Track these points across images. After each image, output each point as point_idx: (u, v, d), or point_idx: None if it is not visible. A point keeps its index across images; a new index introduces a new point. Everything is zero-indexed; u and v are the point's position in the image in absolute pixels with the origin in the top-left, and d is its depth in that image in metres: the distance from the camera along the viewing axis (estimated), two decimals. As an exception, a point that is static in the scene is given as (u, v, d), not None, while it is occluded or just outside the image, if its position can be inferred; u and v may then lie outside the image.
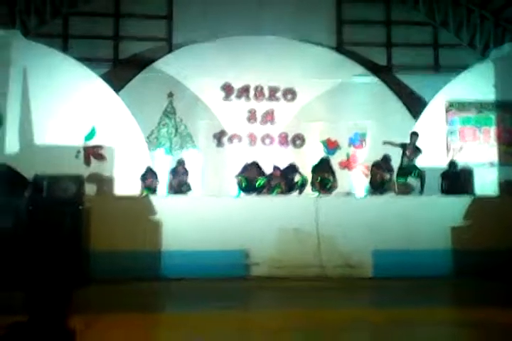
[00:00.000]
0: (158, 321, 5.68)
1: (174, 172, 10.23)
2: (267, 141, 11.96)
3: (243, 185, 9.68)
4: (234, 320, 5.36)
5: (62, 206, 7.58)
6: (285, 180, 9.72)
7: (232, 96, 11.99)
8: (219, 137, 11.82)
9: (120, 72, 11.82)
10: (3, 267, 7.05)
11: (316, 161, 10.08)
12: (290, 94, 12.10)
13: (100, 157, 10.37)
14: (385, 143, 9.93)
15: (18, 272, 7.04)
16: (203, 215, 8.14)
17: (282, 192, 9.46)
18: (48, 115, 10.23)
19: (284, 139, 11.99)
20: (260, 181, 9.59)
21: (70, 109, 10.25)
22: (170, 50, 12.23)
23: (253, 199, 9.07)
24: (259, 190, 9.63)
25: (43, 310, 2.71)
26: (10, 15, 11.81)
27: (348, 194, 10.35)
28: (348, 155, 11.89)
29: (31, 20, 11.88)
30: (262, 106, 12.04)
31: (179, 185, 9.96)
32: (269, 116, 12.02)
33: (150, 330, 5.04)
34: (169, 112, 11.69)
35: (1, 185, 7.85)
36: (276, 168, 9.85)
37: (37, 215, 7.48)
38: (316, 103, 11.96)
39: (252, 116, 11.99)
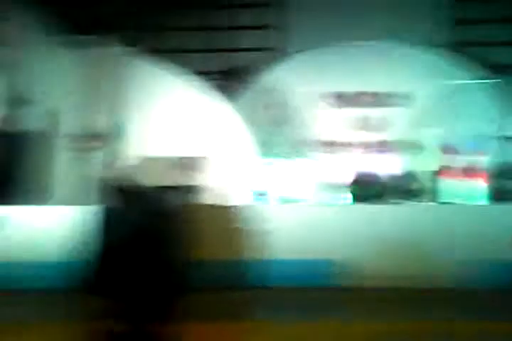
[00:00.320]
0: (251, 329, 5.58)
1: (276, 180, 10.11)
2: (382, 148, 11.46)
3: (356, 194, 9.36)
4: (326, 331, 5.11)
5: (164, 216, 7.80)
6: (401, 188, 9.30)
7: (344, 104, 11.67)
8: (331, 145, 11.52)
9: (228, 83, 11.98)
10: (113, 275, 7.37)
11: (433, 168, 9.50)
12: (405, 99, 11.54)
13: (205, 167, 10.48)
14: None
15: (124, 280, 7.30)
16: (312, 224, 7.94)
17: (397, 201, 9.01)
18: (161, 127, 10.58)
19: (399, 146, 11.42)
20: (374, 189, 9.21)
21: (177, 120, 10.53)
22: (279, 59, 12.19)
23: (362, 207, 8.71)
24: (373, 199, 9.26)
25: (146, 317, 2.64)
26: (127, 32, 12.47)
27: (467, 202, 9.62)
28: (468, 162, 11.05)
29: (146, 37, 12.40)
30: (375, 113, 11.58)
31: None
32: (383, 123, 11.53)
33: (243, 337, 4.95)
34: (278, 122, 11.61)
35: (109, 195, 8.23)
36: (391, 175, 9.44)
37: (140, 224, 7.75)
38: (432, 107, 11.30)
39: (365, 124, 11.58)
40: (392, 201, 9.18)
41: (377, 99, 11.59)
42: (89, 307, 6.50)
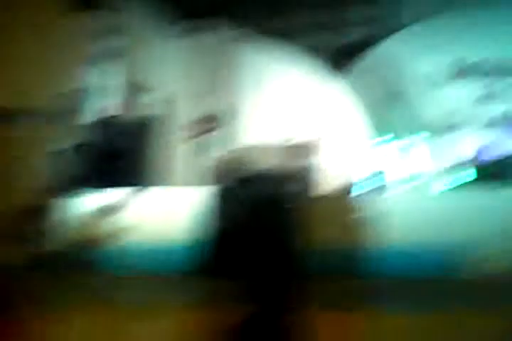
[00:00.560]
0: (375, 321, 5.47)
1: (396, 162, 9.73)
2: (503, 123, 10.62)
3: (480, 174, 8.81)
4: (443, 323, 4.88)
5: (278, 202, 7.81)
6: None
7: (466, 74, 10.93)
8: (450, 121, 10.87)
9: (341, 59, 11.61)
10: (229, 257, 7.56)
11: None
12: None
13: (316, 150, 10.31)
14: None
15: (240, 263, 7.46)
16: (432, 209, 7.59)
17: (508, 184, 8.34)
18: (272, 111, 10.56)
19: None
20: (487, 170, 8.59)
21: (289, 103, 10.41)
22: (394, 31, 11.61)
23: (472, 192, 8.15)
24: (497, 179, 8.64)
25: (273, 301, 2.71)
26: (242, 15, 12.46)
27: None
28: None
29: (255, 18, 12.29)
30: (501, 83, 10.71)
31: (403, 177, 9.43)
32: (509, 94, 10.68)
33: (364, 329, 4.85)
34: (394, 97, 11.13)
35: (224, 179, 8.39)
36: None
37: (254, 210, 7.82)
38: None
39: (489, 95, 10.80)
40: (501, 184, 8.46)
41: (502, 68, 10.75)
42: (211, 291, 6.78)
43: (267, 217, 7.63)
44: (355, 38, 11.80)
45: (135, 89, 10.49)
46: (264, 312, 2.57)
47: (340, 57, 11.69)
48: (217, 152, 10.69)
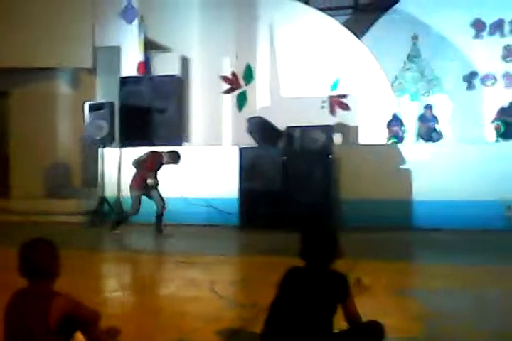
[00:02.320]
0: (411, 270, 5.55)
1: (422, 118, 9.82)
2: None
3: (502, 130, 8.87)
4: (492, 275, 4.95)
5: (313, 155, 7.94)
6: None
7: (484, 33, 10.87)
8: (470, 79, 10.87)
9: (361, 17, 11.54)
10: (261, 209, 7.70)
11: None
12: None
13: (345, 106, 10.37)
14: None
15: (274, 215, 7.60)
16: (456, 163, 7.67)
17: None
18: (295, 67, 10.52)
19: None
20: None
21: (315, 60, 10.38)
22: (413, -11, 11.51)
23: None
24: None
25: (320, 257, 2.76)
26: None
27: None
28: None
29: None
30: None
31: (428, 132, 9.54)
32: (530, 52, 10.67)
33: (404, 278, 4.93)
34: (414, 56, 11.12)
35: (258, 135, 8.47)
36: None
37: (290, 164, 7.96)
38: None
39: (508, 54, 10.75)
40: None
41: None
42: (256, 242, 6.94)
43: (302, 171, 7.76)
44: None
45: (154, 48, 10.45)
46: (308, 264, 2.65)
47: (360, 15, 11.65)
48: (243, 110, 10.76)
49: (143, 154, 7.50)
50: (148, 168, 7.29)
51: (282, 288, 2.80)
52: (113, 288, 4.82)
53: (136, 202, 7.26)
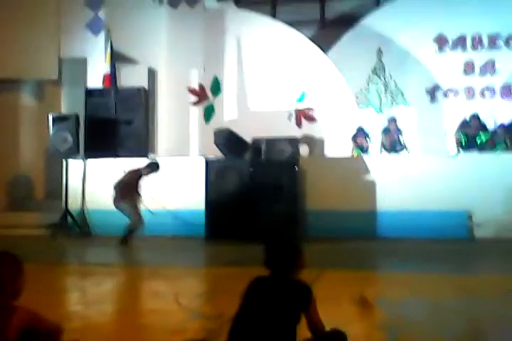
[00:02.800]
0: (375, 279, 5.61)
1: (386, 131, 9.98)
2: (488, 93, 10.93)
3: (463, 142, 9.07)
4: (452, 283, 5.04)
5: (279, 167, 7.99)
6: (511, 136, 8.90)
7: (447, 48, 11.16)
8: (432, 92, 11.12)
9: (328, 32, 11.71)
10: (228, 220, 7.70)
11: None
12: (512, 40, 10.88)
13: (311, 119, 10.49)
14: None
15: (241, 226, 7.61)
16: (420, 175, 7.83)
17: (508, 149, 8.67)
18: (261, 80, 10.62)
19: (507, 91, 10.82)
20: (482, 137, 8.88)
21: (281, 73, 10.50)
22: (378, 5, 11.77)
23: (474, 157, 8.44)
24: (481, 147, 8.95)
25: (283, 266, 2.79)
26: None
27: None
28: None
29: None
30: (480, 57, 11.01)
31: (392, 144, 9.69)
32: (489, 67, 10.96)
33: (367, 287, 4.97)
34: (378, 69, 11.32)
35: (225, 147, 8.49)
36: (499, 122, 9.05)
37: (257, 175, 7.99)
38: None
39: (469, 68, 11.04)
40: (502, 149, 8.82)
41: (482, 42, 11.02)
42: (222, 253, 6.92)
43: (269, 182, 7.80)
44: (342, 11, 11.93)
45: (121, 60, 10.41)
46: (277, 274, 2.68)
47: (327, 30, 11.82)
48: (210, 122, 10.77)
49: (122, 177, 7.63)
50: (128, 185, 7.44)
51: (246, 298, 2.80)
52: (76, 301, 4.74)
53: (135, 213, 7.31)
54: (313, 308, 2.77)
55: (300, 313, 2.75)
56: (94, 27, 10.40)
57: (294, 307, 2.73)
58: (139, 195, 7.50)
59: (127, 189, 7.42)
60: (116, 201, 7.42)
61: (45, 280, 5.11)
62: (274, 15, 11.91)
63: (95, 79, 9.96)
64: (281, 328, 2.71)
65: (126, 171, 7.70)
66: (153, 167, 7.61)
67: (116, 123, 8.83)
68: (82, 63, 10.13)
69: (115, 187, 7.49)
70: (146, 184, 7.71)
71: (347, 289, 4.69)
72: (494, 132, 8.97)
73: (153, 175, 7.64)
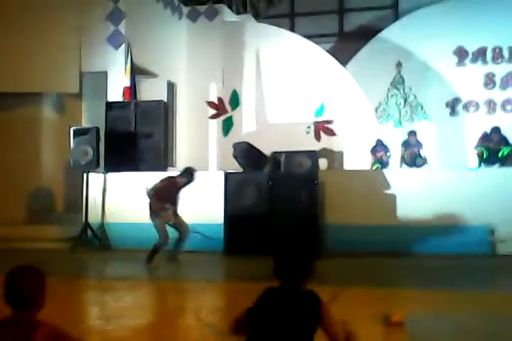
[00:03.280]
0: (397, 296, 5.52)
1: (406, 144, 9.92)
2: (509, 106, 10.86)
3: (484, 156, 8.99)
4: (475, 300, 4.95)
5: (298, 180, 7.96)
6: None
7: (467, 61, 11.13)
8: (453, 105, 11.08)
9: (346, 45, 11.74)
10: (247, 234, 7.67)
11: None
12: (533, 53, 10.81)
13: (330, 132, 10.47)
14: None
15: (260, 240, 7.56)
16: (440, 189, 7.71)
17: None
18: (280, 93, 10.63)
19: (528, 104, 10.78)
20: (504, 151, 8.79)
21: (300, 86, 10.51)
22: (396, 18, 11.79)
23: (496, 171, 8.34)
24: (502, 161, 8.86)
25: (292, 276, 2.76)
26: (242, 1, 12.50)
27: None
28: None
29: (260, 4, 12.37)
30: (501, 69, 10.98)
31: (412, 157, 9.62)
32: (510, 80, 10.91)
33: (388, 305, 4.89)
34: (397, 82, 11.31)
35: (244, 160, 8.49)
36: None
37: (276, 189, 7.96)
38: None
39: (489, 81, 11.00)
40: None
41: (502, 55, 10.96)
42: (241, 268, 6.87)
43: (288, 196, 7.76)
44: (360, 24, 11.97)
45: (140, 74, 10.50)
46: (284, 288, 2.65)
47: (345, 43, 11.85)
48: (229, 135, 10.80)
49: (158, 182, 7.13)
50: (165, 194, 6.94)
51: (257, 308, 2.76)
52: (97, 315, 4.74)
53: (163, 231, 6.82)
54: (327, 320, 2.67)
55: (313, 324, 2.66)
56: (114, 41, 10.49)
57: (304, 318, 2.66)
58: (175, 206, 6.96)
59: (164, 197, 6.83)
60: (152, 212, 6.91)
61: (65, 294, 5.11)
62: (292, 28, 12.01)
63: (115, 93, 10.04)
64: (295, 339, 2.67)
65: (164, 177, 7.18)
66: (188, 176, 7.06)
67: (136, 137, 8.88)
68: (102, 77, 10.22)
69: (149, 193, 6.97)
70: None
71: (368, 307, 4.64)
72: (505, 146, 8.86)
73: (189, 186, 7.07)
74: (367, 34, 11.64)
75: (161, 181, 7.11)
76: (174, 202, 7.00)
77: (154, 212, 6.90)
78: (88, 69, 10.11)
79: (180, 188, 7.08)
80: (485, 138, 9.29)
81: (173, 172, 8.83)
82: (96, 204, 8.53)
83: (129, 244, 7.37)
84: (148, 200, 6.97)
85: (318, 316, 2.67)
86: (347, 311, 4.42)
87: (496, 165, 8.71)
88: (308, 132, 10.45)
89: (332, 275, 6.49)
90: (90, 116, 10.00)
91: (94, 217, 8.47)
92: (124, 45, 10.38)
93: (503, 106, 10.86)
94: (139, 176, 8.39)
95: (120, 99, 9.81)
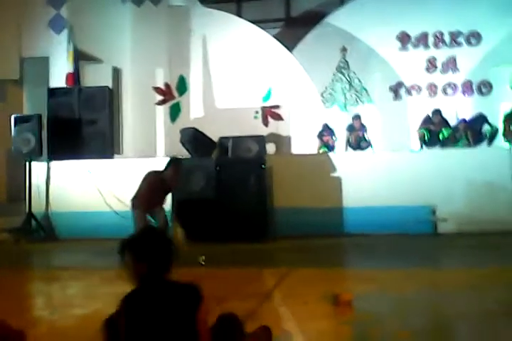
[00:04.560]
0: (342, 276, 5.65)
1: (351, 128, 10.09)
2: (449, 90, 11.15)
3: (426, 138, 9.24)
4: (417, 278, 5.13)
5: (246, 165, 8.00)
6: (472, 131, 9.09)
7: (409, 45, 11.34)
8: (396, 89, 11.28)
9: (292, 30, 11.77)
10: (194, 220, 7.66)
11: (507, 109, 9.22)
12: (474, 37, 11.09)
13: (278, 117, 10.53)
14: None
15: (208, 225, 7.58)
16: (384, 171, 7.92)
17: (469, 145, 8.85)
18: (227, 78, 10.60)
19: (468, 87, 11.07)
20: (445, 133, 9.05)
21: (246, 71, 10.50)
22: (342, 3, 11.88)
23: (437, 152, 8.60)
24: (443, 143, 9.12)
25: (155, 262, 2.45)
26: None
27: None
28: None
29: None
30: (442, 54, 11.22)
31: (357, 141, 9.80)
32: (450, 64, 11.17)
33: (334, 284, 5.01)
34: (342, 67, 11.43)
35: (191, 146, 8.44)
36: (461, 118, 9.23)
37: (224, 174, 7.98)
38: (503, 45, 10.81)
39: (431, 65, 11.24)
40: (463, 144, 9.02)
41: (443, 39, 11.21)
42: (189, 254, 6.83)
43: (236, 180, 7.79)
44: (307, 9, 12.01)
45: (84, 59, 10.27)
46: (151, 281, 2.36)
47: (292, 28, 11.87)
48: (176, 121, 10.70)
49: (140, 183, 6.43)
50: (152, 198, 6.27)
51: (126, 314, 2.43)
52: (42, 306, 4.67)
53: (142, 223, 6.07)
54: (201, 320, 2.44)
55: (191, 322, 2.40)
56: (56, 25, 10.21)
57: (179, 316, 2.41)
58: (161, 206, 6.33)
59: (151, 191, 6.17)
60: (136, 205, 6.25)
61: (9, 286, 5.02)
62: (239, 13, 11.94)
63: (58, 79, 9.80)
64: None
65: (145, 175, 6.38)
66: (176, 166, 6.30)
67: (80, 124, 8.70)
68: (44, 62, 9.95)
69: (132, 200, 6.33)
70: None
71: (314, 287, 4.74)
72: (456, 128, 9.15)
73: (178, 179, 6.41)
74: (314, 19, 11.67)
75: (144, 181, 6.35)
76: (162, 201, 6.40)
77: (137, 204, 6.17)
78: (29, 54, 9.83)
79: (169, 186, 6.43)
80: (427, 120, 9.54)
81: (119, 159, 8.79)
82: (40, 193, 8.34)
83: (75, 233, 7.25)
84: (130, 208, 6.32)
85: (194, 313, 2.42)
86: (296, 291, 4.56)
87: (437, 147, 8.97)
88: (256, 117, 10.47)
89: (281, 257, 6.64)
90: (32, 103, 9.74)
91: (38, 207, 8.28)
92: (66, 29, 10.11)
93: (444, 90, 11.15)
94: (83, 164, 8.26)
95: (63, 85, 9.59)
